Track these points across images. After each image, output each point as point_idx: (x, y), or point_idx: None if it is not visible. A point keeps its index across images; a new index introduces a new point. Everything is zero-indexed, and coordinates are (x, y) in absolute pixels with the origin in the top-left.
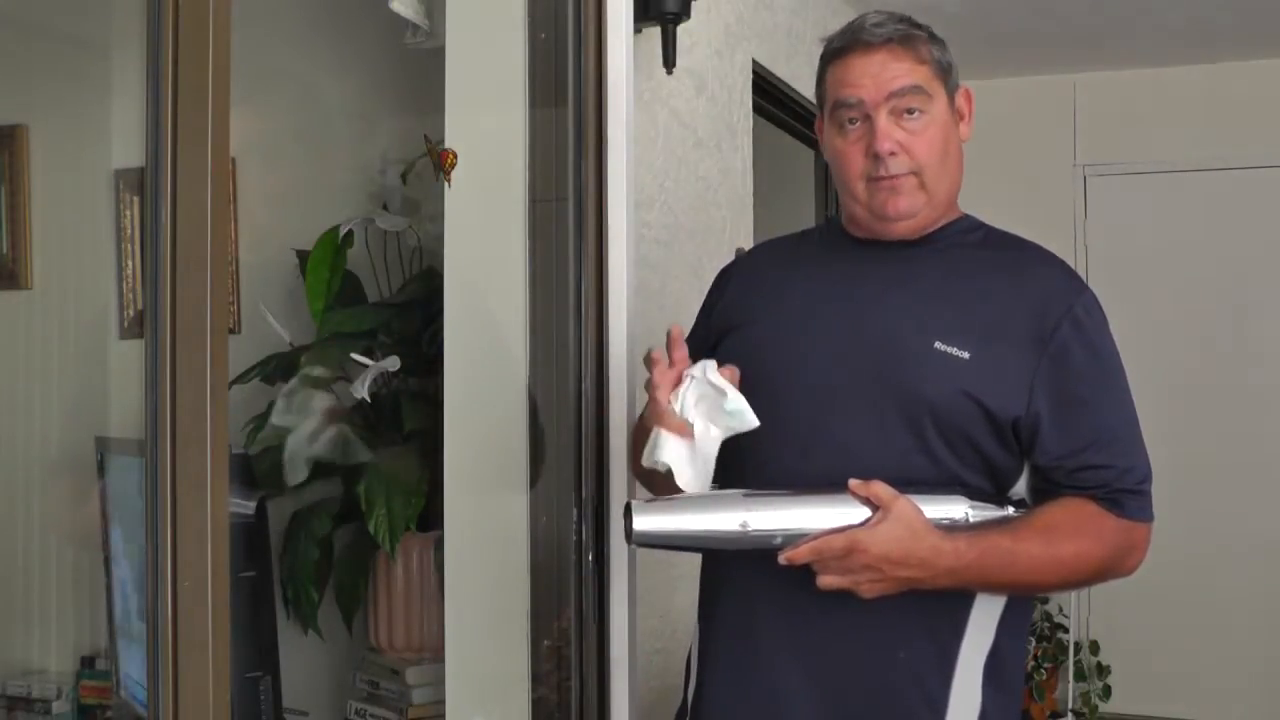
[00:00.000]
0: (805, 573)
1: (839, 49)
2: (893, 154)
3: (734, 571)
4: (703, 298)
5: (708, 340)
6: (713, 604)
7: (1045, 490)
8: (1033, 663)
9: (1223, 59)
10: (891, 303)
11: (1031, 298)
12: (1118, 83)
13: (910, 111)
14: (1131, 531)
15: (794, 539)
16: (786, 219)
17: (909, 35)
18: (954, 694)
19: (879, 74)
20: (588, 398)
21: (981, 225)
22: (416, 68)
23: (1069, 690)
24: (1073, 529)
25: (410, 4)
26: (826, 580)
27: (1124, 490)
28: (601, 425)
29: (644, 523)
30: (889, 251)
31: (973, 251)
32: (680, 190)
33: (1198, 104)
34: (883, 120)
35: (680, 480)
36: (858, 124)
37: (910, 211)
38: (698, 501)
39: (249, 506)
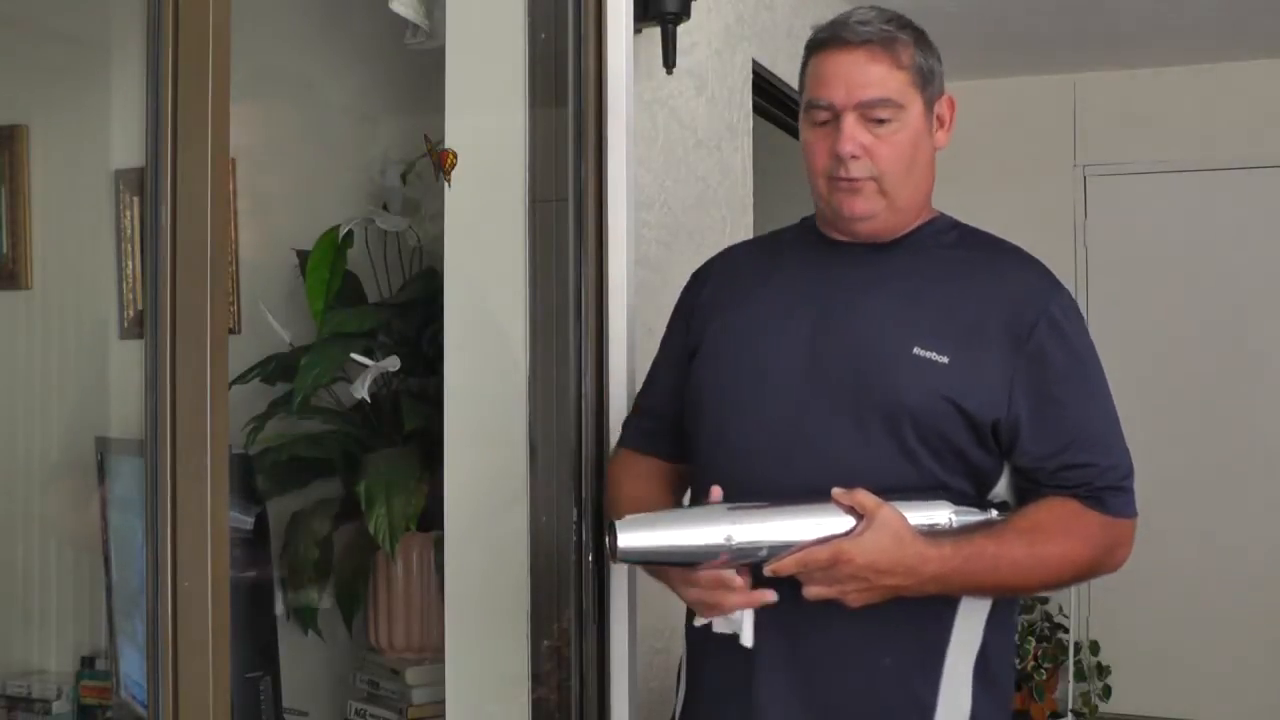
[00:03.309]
0: (791, 584)
1: (820, 42)
2: (855, 157)
3: None
4: None
5: (688, 344)
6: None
7: (1028, 490)
8: (1033, 663)
9: (1223, 59)
10: (868, 306)
11: (1008, 299)
12: (1118, 83)
13: (880, 120)
14: (1115, 528)
15: (779, 551)
16: (786, 219)
17: (892, 38)
18: (942, 696)
19: (851, 76)
20: (588, 398)
21: (956, 224)
22: (416, 68)
23: (1069, 690)
24: (1057, 529)
25: (410, 4)
26: (813, 591)
27: (1106, 487)
28: (601, 425)
29: (629, 539)
30: (864, 253)
31: (948, 252)
32: (680, 190)
33: (1198, 104)
34: (849, 122)
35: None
36: (827, 123)
37: (867, 214)
38: (681, 516)
39: (249, 513)
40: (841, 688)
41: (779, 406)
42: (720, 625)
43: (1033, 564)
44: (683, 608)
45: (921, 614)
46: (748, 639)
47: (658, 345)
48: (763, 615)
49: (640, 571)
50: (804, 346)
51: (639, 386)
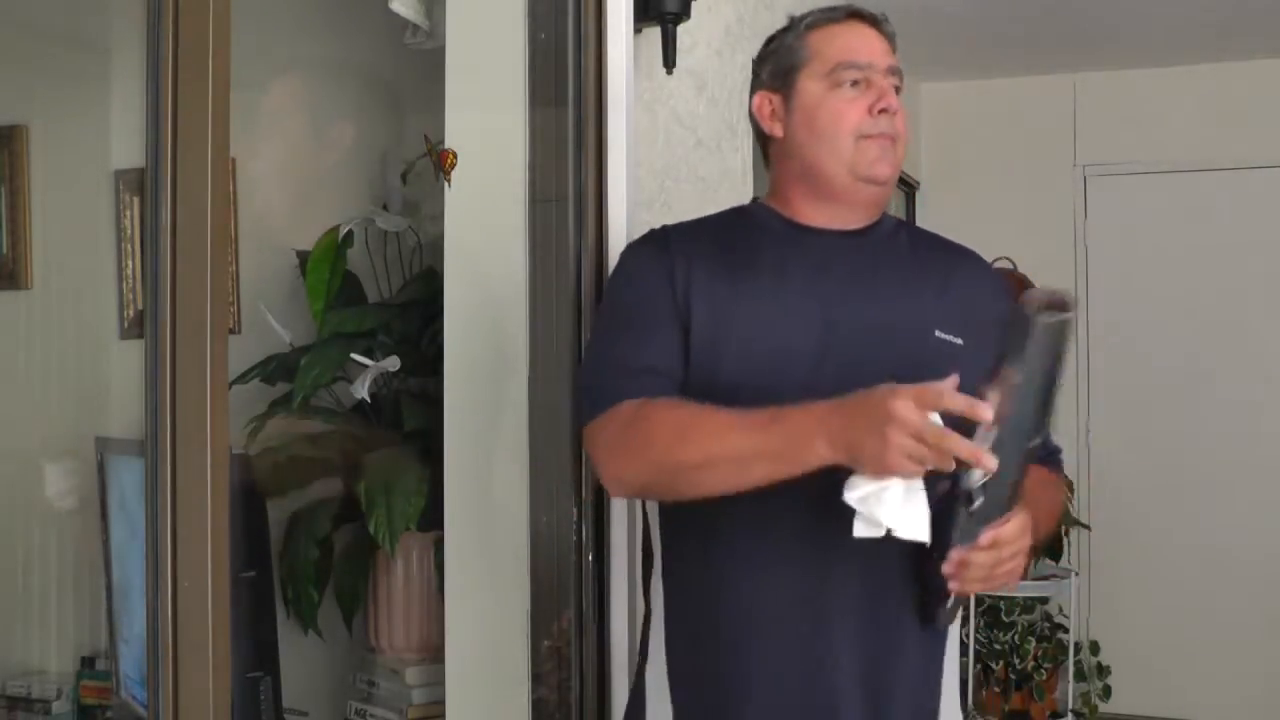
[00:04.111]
0: (862, 581)
1: (841, 16)
2: (895, 111)
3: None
4: None
5: (679, 313)
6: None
7: None
8: (1033, 663)
9: (1223, 59)
10: (878, 292)
11: (977, 285)
12: (1118, 83)
13: (896, 89)
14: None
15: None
16: None
17: (893, 34)
18: (945, 671)
19: (881, 45)
20: None
21: (896, 218)
22: (416, 68)
23: (1069, 690)
24: (1051, 483)
25: (410, 4)
26: (992, 581)
27: (1055, 454)
28: None
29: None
30: (846, 239)
31: (908, 243)
32: (680, 190)
33: (1198, 104)
34: (888, 82)
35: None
36: (859, 85)
37: (889, 178)
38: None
39: (249, 513)
40: (895, 677)
41: (806, 399)
42: (861, 530)
43: (1052, 510)
44: None
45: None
46: (925, 533)
47: None
48: (842, 603)
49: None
50: (819, 335)
51: None
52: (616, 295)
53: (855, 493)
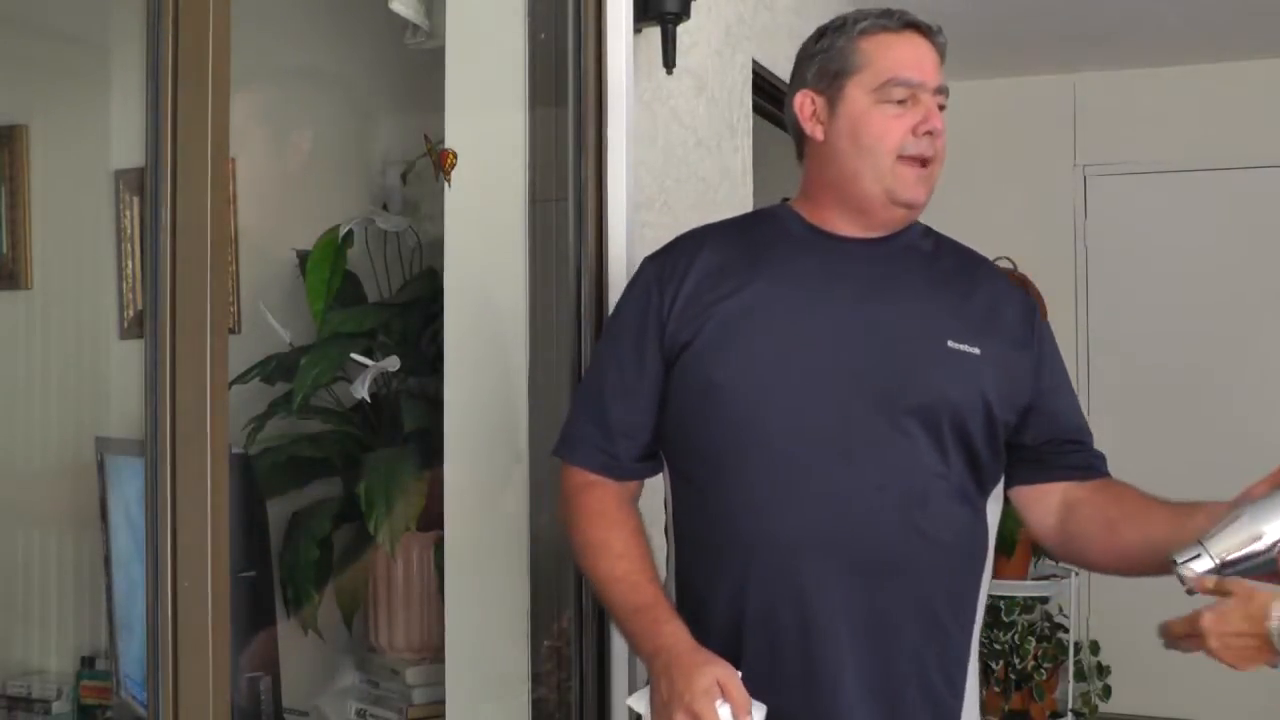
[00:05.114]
0: (867, 589)
1: (897, 25)
2: (939, 134)
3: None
4: None
5: (666, 345)
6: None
7: (1027, 469)
8: (1033, 663)
9: (1223, 59)
10: (894, 300)
11: (1002, 295)
12: (1118, 83)
13: (941, 108)
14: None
15: None
16: None
17: (944, 45)
18: (968, 683)
19: (933, 62)
20: None
21: (925, 225)
22: (416, 68)
23: (1069, 690)
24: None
25: (410, 4)
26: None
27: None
28: None
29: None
30: (869, 247)
31: (932, 251)
32: (680, 190)
33: (1198, 104)
34: (935, 103)
35: None
36: (905, 104)
37: (923, 200)
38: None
39: (249, 513)
40: (904, 679)
41: (820, 405)
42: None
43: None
44: None
45: (972, 603)
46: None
47: None
48: (849, 616)
49: None
50: (830, 341)
51: None
52: (614, 317)
53: (640, 703)
